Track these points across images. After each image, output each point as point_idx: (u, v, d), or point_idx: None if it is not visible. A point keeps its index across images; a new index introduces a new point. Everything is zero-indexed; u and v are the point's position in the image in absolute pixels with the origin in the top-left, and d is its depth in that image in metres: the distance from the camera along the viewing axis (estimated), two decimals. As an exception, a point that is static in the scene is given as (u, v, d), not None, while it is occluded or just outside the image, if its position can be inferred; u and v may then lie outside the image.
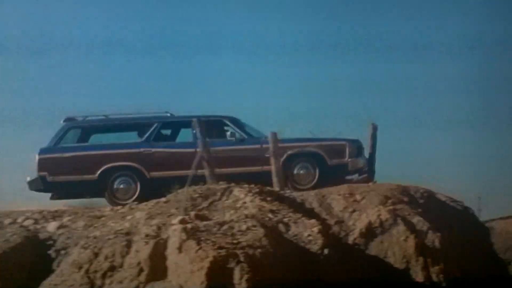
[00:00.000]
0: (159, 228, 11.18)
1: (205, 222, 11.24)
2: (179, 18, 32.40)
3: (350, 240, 12.06)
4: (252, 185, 12.75)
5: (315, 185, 14.44)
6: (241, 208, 11.91)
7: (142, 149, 14.86)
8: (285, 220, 11.71)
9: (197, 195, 12.45)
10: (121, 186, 14.70)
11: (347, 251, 11.77)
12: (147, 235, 10.98)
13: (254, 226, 11.07)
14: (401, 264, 11.78)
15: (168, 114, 15.60)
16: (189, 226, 10.90)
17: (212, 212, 11.90)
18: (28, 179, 14.87)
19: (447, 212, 13.42)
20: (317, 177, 14.84)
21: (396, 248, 11.92)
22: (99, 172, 14.69)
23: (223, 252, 10.14)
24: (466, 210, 13.99)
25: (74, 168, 14.74)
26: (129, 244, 10.97)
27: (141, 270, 10.55)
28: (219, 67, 30.94)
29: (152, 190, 14.22)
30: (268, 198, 12.36)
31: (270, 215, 11.76)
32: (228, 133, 15.13)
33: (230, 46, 31.47)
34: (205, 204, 12.20)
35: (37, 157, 14.76)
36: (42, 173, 14.65)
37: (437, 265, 11.81)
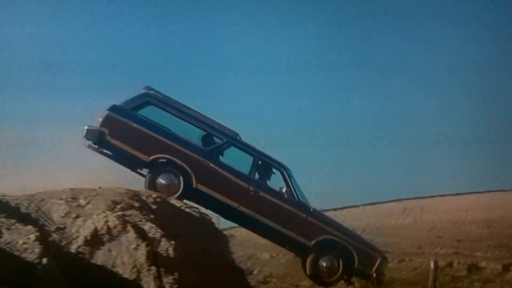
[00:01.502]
0: None
1: None
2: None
3: (73, 248, 11.68)
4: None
5: (334, 281, 15.72)
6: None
7: (202, 158, 14.98)
8: (-3, 226, 11.15)
9: None
10: (164, 181, 14.79)
11: (70, 260, 11.37)
12: None
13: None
14: (132, 274, 11.55)
15: (238, 137, 15.63)
16: None
17: None
18: (87, 127, 14.73)
19: (182, 219, 13.38)
20: (339, 273, 15.67)
21: (126, 256, 11.70)
22: (152, 157, 14.85)
23: None
24: (203, 217, 14.11)
25: (134, 141, 14.90)
26: None
27: None
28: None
29: (187, 198, 14.74)
30: (-23, 201, 11.74)
31: (-23, 220, 11.14)
32: (284, 189, 15.28)
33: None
34: None
35: (106, 112, 14.71)
36: (103, 129, 14.65)
37: (171, 275, 11.76)
